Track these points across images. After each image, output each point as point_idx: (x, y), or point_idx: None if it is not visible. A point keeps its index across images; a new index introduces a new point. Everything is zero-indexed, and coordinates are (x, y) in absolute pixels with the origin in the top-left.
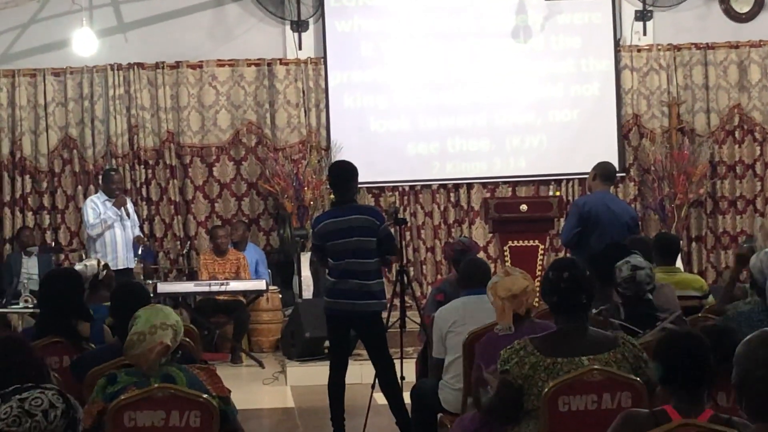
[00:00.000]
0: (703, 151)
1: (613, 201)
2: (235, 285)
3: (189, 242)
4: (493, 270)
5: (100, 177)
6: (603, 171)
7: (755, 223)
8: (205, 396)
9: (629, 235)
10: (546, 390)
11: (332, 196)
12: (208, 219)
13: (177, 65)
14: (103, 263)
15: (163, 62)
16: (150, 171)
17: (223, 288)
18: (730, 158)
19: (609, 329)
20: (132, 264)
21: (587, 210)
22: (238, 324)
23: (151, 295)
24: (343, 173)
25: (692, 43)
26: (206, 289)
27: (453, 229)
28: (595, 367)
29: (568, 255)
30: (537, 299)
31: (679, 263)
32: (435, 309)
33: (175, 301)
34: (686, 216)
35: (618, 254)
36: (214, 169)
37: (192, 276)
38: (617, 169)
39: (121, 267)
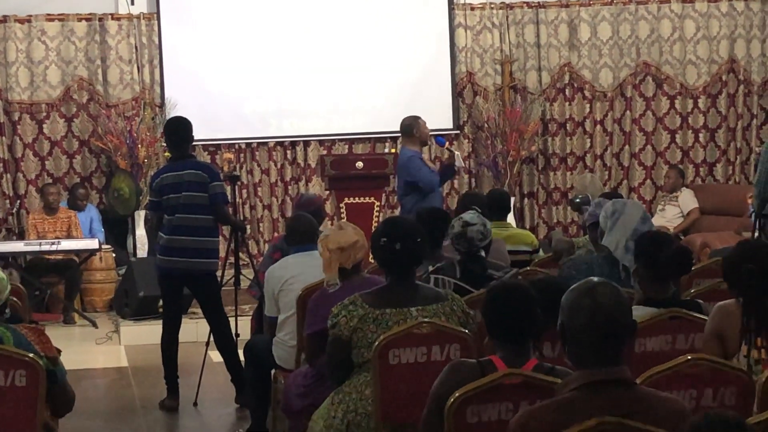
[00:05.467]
0: (534, 108)
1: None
2: (66, 244)
3: (19, 201)
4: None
5: None
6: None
7: (584, 179)
8: (31, 355)
9: None
10: (376, 343)
11: (167, 153)
12: (38, 177)
13: (4, 19)
14: None
15: None
16: None
17: (54, 247)
18: (560, 116)
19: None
20: None
21: None
22: (69, 284)
23: None
24: (178, 128)
25: (524, 2)
26: (37, 248)
27: (290, 187)
28: (425, 319)
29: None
30: (370, 256)
31: (511, 219)
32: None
33: (5, 260)
34: (518, 172)
35: (439, 216)
36: (45, 126)
37: (22, 235)
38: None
39: None
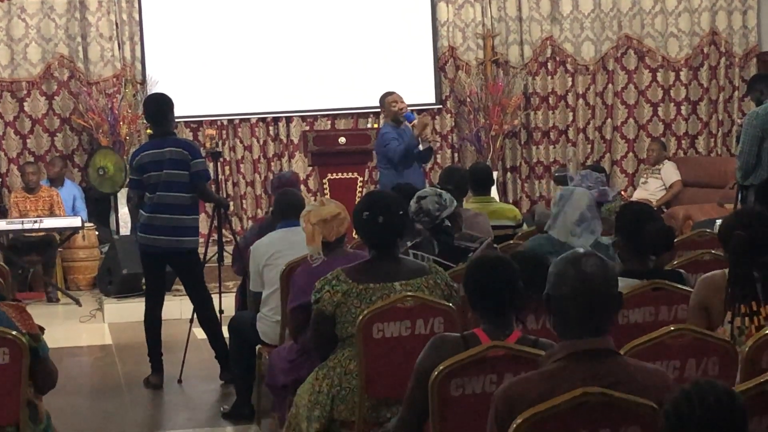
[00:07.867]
0: (516, 82)
1: None
2: (49, 222)
3: (1, 180)
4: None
5: None
6: None
7: (567, 153)
8: (13, 333)
9: None
10: (360, 318)
11: (149, 130)
12: (20, 155)
13: None
14: None
15: None
16: None
17: (36, 225)
18: (543, 89)
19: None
20: None
21: None
22: (45, 261)
23: None
24: (158, 105)
25: None
26: (19, 227)
27: (273, 163)
28: (408, 293)
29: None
30: (353, 231)
31: (494, 193)
32: None
33: None
34: (501, 147)
35: (408, 192)
36: (25, 104)
37: (4, 214)
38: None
39: None
